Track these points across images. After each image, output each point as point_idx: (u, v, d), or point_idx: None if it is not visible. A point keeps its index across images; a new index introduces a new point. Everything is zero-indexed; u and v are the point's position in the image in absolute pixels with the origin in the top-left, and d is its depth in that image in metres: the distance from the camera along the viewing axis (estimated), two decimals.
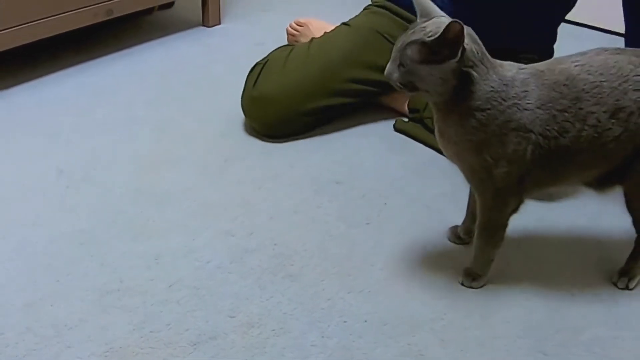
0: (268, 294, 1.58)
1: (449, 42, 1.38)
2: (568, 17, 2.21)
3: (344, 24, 2.32)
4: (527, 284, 1.64)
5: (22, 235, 1.75)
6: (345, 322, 1.52)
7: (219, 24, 3.08)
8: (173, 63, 2.71)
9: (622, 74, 1.50)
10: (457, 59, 1.39)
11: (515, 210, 1.58)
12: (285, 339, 1.47)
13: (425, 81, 1.43)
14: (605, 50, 1.55)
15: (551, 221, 1.85)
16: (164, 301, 1.56)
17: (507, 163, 1.48)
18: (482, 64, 1.44)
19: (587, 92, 1.47)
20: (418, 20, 1.47)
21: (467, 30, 1.42)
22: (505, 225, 1.59)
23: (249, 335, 1.48)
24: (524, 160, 1.48)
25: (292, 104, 2.14)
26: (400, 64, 1.44)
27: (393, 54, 1.46)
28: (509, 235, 1.75)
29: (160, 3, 2.99)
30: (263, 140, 2.16)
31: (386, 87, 1.96)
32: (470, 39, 1.44)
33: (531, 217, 1.84)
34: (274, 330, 1.49)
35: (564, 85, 1.48)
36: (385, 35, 2.20)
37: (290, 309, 1.54)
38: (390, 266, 1.67)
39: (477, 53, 1.44)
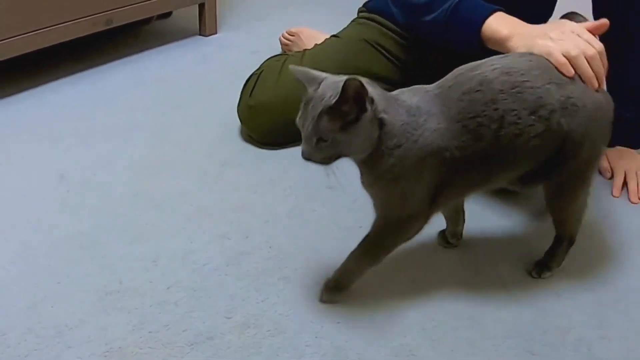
0: (263, 295, 1.58)
1: (353, 98, 1.32)
2: None
3: (333, 36, 2.33)
4: (514, 285, 1.64)
5: (24, 238, 1.74)
6: (338, 322, 1.51)
7: (216, 33, 3.08)
8: (171, 71, 2.71)
9: (547, 75, 1.49)
10: (369, 110, 1.35)
11: (417, 233, 1.54)
12: (280, 339, 1.47)
13: (352, 145, 1.37)
14: (531, 54, 1.55)
15: (537, 223, 1.85)
16: (162, 302, 1.55)
17: (422, 189, 1.46)
18: (389, 103, 1.40)
19: (504, 92, 1.44)
20: (309, 91, 1.39)
21: (363, 78, 1.34)
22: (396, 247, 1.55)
23: (245, 336, 1.47)
24: (438, 180, 1.46)
25: (287, 112, 2.09)
26: (319, 140, 1.36)
27: (305, 134, 1.38)
28: (496, 237, 1.76)
29: (159, 13, 2.99)
30: (258, 146, 2.16)
31: None
32: (371, 85, 1.38)
33: (520, 219, 1.84)
34: (269, 330, 1.49)
35: (477, 91, 1.44)
36: (374, 44, 2.21)
37: (285, 310, 1.54)
38: (382, 269, 1.66)
39: (381, 96, 1.40)
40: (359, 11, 2.38)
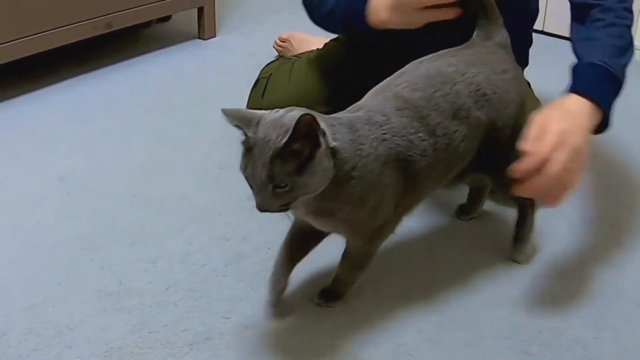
0: (261, 296, 1.57)
1: (305, 135, 1.23)
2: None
3: (332, 40, 2.31)
4: (509, 285, 1.64)
5: (24, 240, 1.75)
6: (335, 322, 1.51)
7: (214, 36, 3.08)
8: (170, 74, 2.72)
9: (447, 77, 1.49)
10: (323, 144, 1.26)
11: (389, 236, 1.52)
12: (278, 339, 1.47)
13: (311, 184, 1.27)
14: (421, 62, 1.55)
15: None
16: (162, 303, 1.55)
17: (387, 198, 1.41)
18: (333, 127, 1.32)
19: (426, 107, 1.44)
20: (248, 135, 1.27)
21: (310, 111, 1.28)
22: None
23: (243, 336, 1.48)
24: (399, 187, 1.42)
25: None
26: (276, 187, 1.25)
27: (257, 184, 1.27)
28: (489, 239, 1.76)
29: (158, 16, 2.99)
30: None
31: None
32: (320, 118, 1.28)
33: (509, 222, 1.84)
34: (267, 331, 1.49)
35: (406, 109, 1.43)
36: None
37: (282, 311, 1.54)
38: (378, 269, 1.66)
39: (326, 122, 1.31)
40: None
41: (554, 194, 1.43)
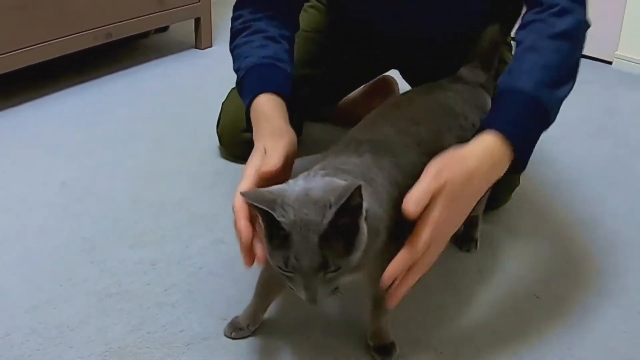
0: None
1: (353, 206, 1.09)
2: None
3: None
4: (495, 287, 1.65)
5: (27, 243, 1.74)
6: (328, 324, 1.52)
7: (211, 46, 3.09)
8: (168, 83, 2.72)
9: (452, 112, 1.45)
10: (364, 213, 1.13)
11: None
12: (274, 339, 1.47)
13: (358, 258, 1.14)
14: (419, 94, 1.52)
15: (515, 228, 1.86)
16: (160, 304, 1.55)
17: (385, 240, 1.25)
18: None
19: (391, 150, 1.32)
20: (279, 217, 1.09)
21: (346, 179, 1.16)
22: None
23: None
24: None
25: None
26: (326, 273, 1.10)
27: (305, 276, 1.10)
28: (479, 242, 1.76)
29: (156, 27, 3.00)
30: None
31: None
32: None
33: (497, 225, 1.85)
34: (263, 331, 1.49)
35: (415, 146, 1.35)
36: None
37: (279, 309, 1.54)
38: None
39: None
40: None
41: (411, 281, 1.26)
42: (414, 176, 1.24)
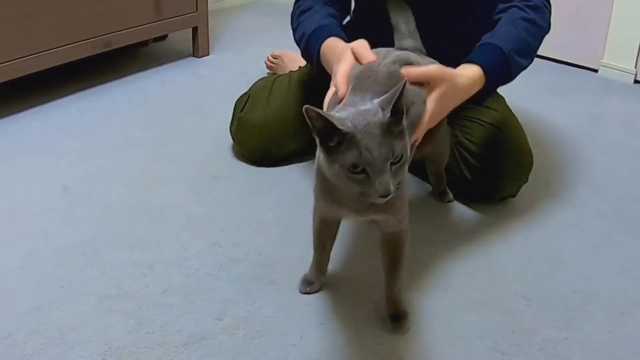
0: (252, 299, 1.60)
1: (399, 107, 1.24)
2: None
3: None
4: (484, 288, 1.67)
5: (30, 246, 1.76)
6: (322, 324, 1.54)
7: (208, 54, 3.11)
8: (166, 91, 2.73)
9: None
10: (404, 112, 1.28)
11: None
12: (268, 339, 1.49)
13: (408, 154, 1.27)
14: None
15: (504, 230, 1.88)
16: (158, 305, 1.57)
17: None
18: None
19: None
20: (340, 127, 1.21)
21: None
22: None
23: (235, 336, 1.49)
24: None
25: (276, 132, 2.12)
26: (393, 163, 1.23)
27: (378, 167, 1.21)
28: (463, 243, 1.78)
29: (155, 36, 3.01)
30: (247, 161, 2.18)
31: None
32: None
33: (487, 228, 1.87)
34: (257, 331, 1.51)
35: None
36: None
37: (273, 312, 1.56)
38: (363, 273, 1.69)
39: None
40: None
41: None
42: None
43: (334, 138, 1.23)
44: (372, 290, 1.63)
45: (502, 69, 1.69)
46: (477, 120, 1.95)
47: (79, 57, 2.61)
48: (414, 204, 1.94)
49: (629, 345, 1.53)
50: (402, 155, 1.24)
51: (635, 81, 3.04)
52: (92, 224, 1.86)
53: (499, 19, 1.78)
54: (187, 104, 2.61)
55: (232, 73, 2.91)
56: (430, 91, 1.54)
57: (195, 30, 3.05)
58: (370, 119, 1.23)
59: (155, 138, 2.34)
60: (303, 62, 2.45)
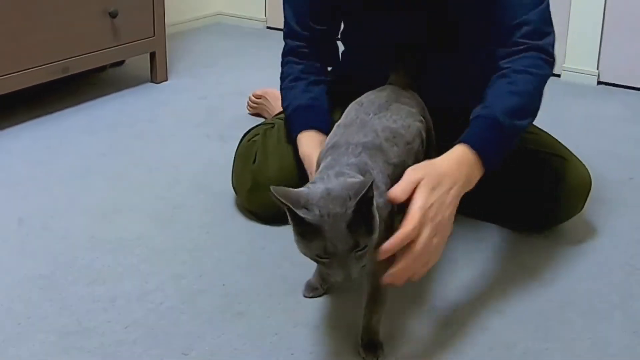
0: (219, 331, 1.55)
1: (367, 199, 1.26)
2: None
3: None
4: (458, 305, 1.64)
5: None
6: (292, 354, 1.49)
7: (166, 80, 3.08)
8: (124, 117, 2.69)
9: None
10: (375, 201, 1.30)
11: None
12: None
13: (376, 237, 1.30)
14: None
15: (473, 247, 1.86)
16: (121, 341, 1.52)
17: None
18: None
19: (380, 149, 1.47)
20: (302, 215, 1.24)
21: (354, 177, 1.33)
22: None
23: None
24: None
25: (296, 184, 1.92)
26: (357, 251, 1.26)
27: (340, 256, 1.25)
28: (440, 262, 1.76)
29: (112, 61, 2.98)
30: (207, 190, 2.14)
31: None
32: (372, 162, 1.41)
33: (455, 243, 1.85)
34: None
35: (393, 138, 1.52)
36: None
37: (241, 344, 1.52)
38: (332, 300, 1.66)
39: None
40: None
41: (417, 271, 1.40)
42: (402, 168, 1.45)
43: (301, 224, 1.26)
44: (342, 322, 1.60)
45: (494, 134, 1.58)
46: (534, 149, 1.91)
47: (35, 83, 2.58)
48: None
49: (610, 349, 1.52)
50: (366, 246, 1.27)
51: (599, 82, 3.11)
52: (50, 257, 1.80)
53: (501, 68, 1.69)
54: (146, 131, 2.57)
55: (191, 98, 2.89)
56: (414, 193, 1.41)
57: (152, 55, 3.02)
58: (338, 211, 1.24)
59: (114, 166, 2.29)
60: None
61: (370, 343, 1.49)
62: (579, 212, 1.92)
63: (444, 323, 1.59)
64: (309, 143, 1.78)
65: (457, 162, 1.50)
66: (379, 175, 1.42)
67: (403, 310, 1.63)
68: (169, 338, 1.53)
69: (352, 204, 1.24)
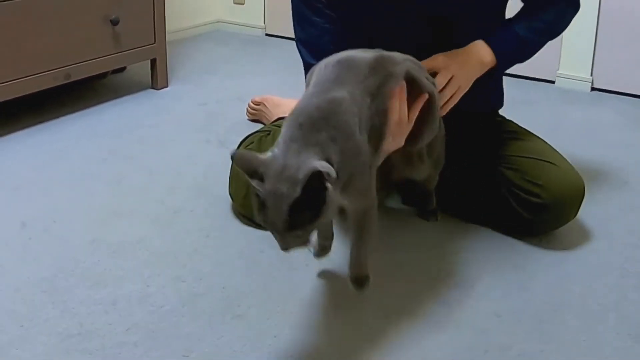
0: (218, 333, 1.55)
1: (317, 188, 1.27)
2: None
3: None
4: (455, 307, 1.64)
5: None
6: (290, 356, 1.49)
7: (167, 86, 3.08)
8: (125, 122, 2.69)
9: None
10: (330, 186, 1.29)
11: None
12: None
13: (326, 218, 1.32)
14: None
15: (470, 250, 1.86)
16: (122, 343, 1.52)
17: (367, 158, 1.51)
18: (328, 151, 1.36)
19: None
20: (256, 186, 1.28)
21: (318, 159, 1.31)
22: None
23: None
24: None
25: None
26: (294, 233, 1.29)
27: (278, 231, 1.29)
28: (437, 266, 1.76)
29: (114, 68, 2.97)
30: (207, 194, 2.14)
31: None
32: (321, 162, 1.31)
33: (452, 246, 1.85)
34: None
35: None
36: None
37: (240, 346, 1.52)
38: (328, 303, 1.66)
39: (323, 157, 1.34)
40: None
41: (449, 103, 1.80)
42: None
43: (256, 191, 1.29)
44: (340, 324, 1.60)
45: (512, 43, 1.88)
46: (525, 157, 1.93)
47: (39, 89, 2.58)
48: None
49: (605, 351, 1.53)
50: (306, 230, 1.30)
51: (592, 89, 3.12)
52: (52, 261, 1.80)
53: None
54: (146, 136, 2.57)
55: (191, 104, 2.89)
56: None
57: (153, 62, 3.02)
58: (284, 192, 1.26)
59: (115, 171, 2.29)
60: (287, 108, 2.40)
61: (358, 276, 1.56)
62: (573, 218, 1.92)
63: (440, 326, 1.59)
64: None
65: (477, 52, 1.85)
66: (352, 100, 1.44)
67: (399, 312, 1.63)
68: (170, 340, 1.53)
69: (298, 189, 1.25)
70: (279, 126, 2.05)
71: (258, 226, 1.95)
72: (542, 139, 2.02)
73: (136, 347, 1.51)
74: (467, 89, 1.84)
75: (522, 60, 1.95)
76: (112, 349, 1.50)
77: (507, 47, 1.89)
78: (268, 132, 2.07)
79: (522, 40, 1.89)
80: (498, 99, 2.12)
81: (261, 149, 1.98)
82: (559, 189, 1.85)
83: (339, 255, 1.81)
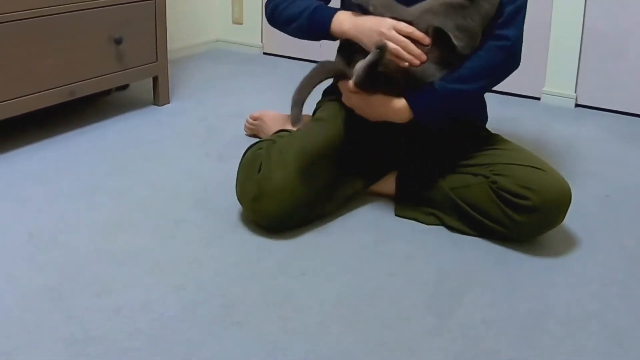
0: (218, 339, 1.56)
1: None
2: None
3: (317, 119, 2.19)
4: (445, 315, 1.65)
5: None
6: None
7: (169, 103, 3.08)
8: (128, 138, 2.70)
9: None
10: None
11: None
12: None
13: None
14: None
15: (458, 258, 1.87)
16: (125, 349, 1.52)
17: None
18: None
19: None
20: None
21: None
22: None
23: None
24: None
25: (299, 195, 1.95)
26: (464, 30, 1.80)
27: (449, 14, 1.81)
28: (424, 267, 1.76)
29: (117, 85, 2.98)
30: (207, 206, 2.15)
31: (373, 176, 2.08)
32: None
33: (442, 255, 1.86)
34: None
35: None
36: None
37: (238, 352, 1.52)
38: (324, 309, 1.66)
39: None
40: (326, 92, 2.28)
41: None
42: None
43: None
44: (332, 327, 1.60)
45: (435, 99, 1.90)
46: (515, 164, 1.94)
47: (44, 106, 2.58)
48: (364, 231, 1.93)
49: (589, 357, 1.53)
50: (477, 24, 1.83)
51: (577, 105, 3.14)
52: (58, 270, 1.80)
53: None
54: (149, 151, 2.57)
55: (192, 120, 2.89)
56: None
57: (155, 79, 3.03)
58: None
59: (119, 184, 2.30)
60: (285, 121, 2.41)
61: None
62: (561, 222, 1.93)
63: (430, 332, 1.60)
64: (351, 15, 1.95)
65: (393, 106, 1.93)
66: None
67: (392, 320, 1.64)
68: (171, 346, 1.54)
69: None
70: (282, 137, 2.08)
71: (266, 230, 1.98)
72: (528, 150, 2.04)
73: (139, 352, 1.51)
74: (372, 117, 2.00)
75: (456, 111, 1.99)
76: (115, 354, 1.50)
77: (422, 99, 1.92)
78: (273, 141, 2.07)
79: (437, 92, 1.90)
80: (482, 113, 2.15)
81: (270, 153, 1.97)
82: (548, 193, 1.86)
83: (333, 265, 1.82)
